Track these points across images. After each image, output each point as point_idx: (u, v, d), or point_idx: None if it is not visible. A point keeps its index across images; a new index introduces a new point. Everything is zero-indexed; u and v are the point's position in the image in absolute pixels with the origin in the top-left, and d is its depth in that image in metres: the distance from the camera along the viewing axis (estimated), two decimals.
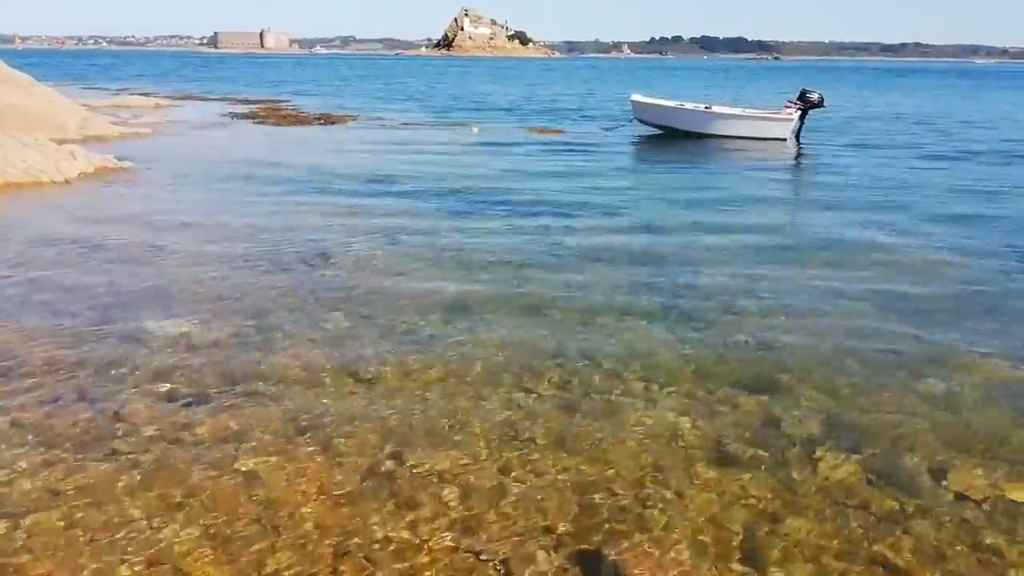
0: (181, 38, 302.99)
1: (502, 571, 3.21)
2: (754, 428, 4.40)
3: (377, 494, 3.70)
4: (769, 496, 3.75)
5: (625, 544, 3.37)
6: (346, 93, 38.11)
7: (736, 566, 3.26)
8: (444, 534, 3.42)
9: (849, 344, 5.61)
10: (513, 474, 3.89)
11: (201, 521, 3.47)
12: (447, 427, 4.34)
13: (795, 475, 3.93)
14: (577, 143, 18.37)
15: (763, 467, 4.00)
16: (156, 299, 6.36)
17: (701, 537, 3.43)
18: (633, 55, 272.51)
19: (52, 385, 4.73)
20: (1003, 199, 11.63)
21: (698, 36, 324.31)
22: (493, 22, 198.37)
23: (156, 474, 3.82)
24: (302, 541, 3.36)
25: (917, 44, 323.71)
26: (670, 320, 6.08)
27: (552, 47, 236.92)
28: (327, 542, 3.35)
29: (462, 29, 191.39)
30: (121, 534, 3.37)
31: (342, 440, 4.17)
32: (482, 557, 3.28)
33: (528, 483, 3.81)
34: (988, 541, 3.44)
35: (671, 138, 19.30)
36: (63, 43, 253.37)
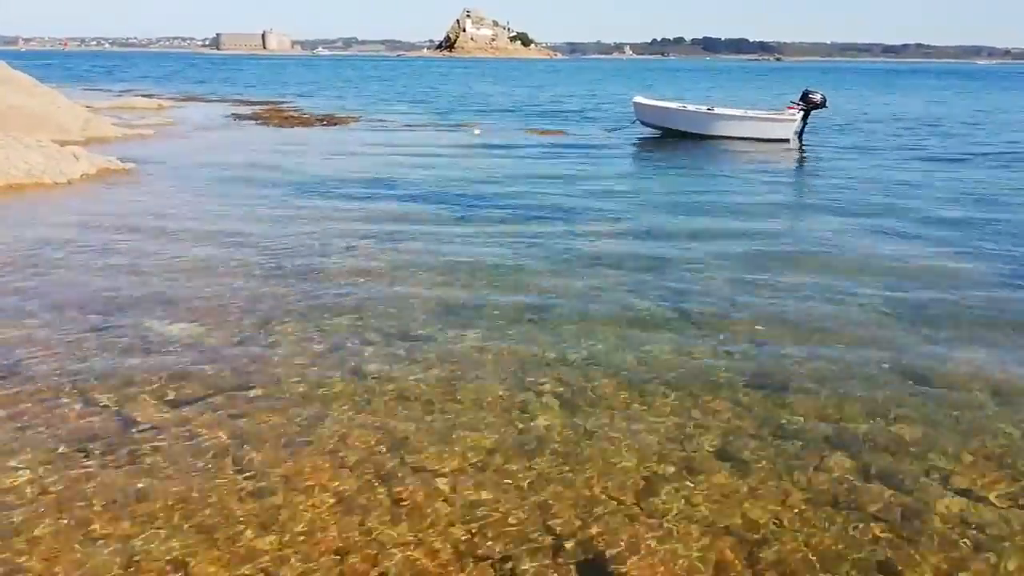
0: (183, 39, 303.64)
1: (503, 572, 3.21)
2: (756, 430, 4.39)
3: (378, 496, 3.70)
4: (771, 497, 3.74)
5: (627, 546, 3.37)
6: (349, 94, 38.14)
7: (737, 567, 3.26)
8: (445, 535, 3.42)
9: (850, 347, 5.62)
10: (514, 475, 3.89)
11: (202, 523, 3.47)
12: (448, 429, 4.34)
13: (796, 477, 3.93)
14: (579, 145, 18.36)
15: (765, 468, 4.00)
16: (158, 301, 6.36)
17: (702, 539, 3.43)
18: (635, 56, 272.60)
19: (54, 386, 4.74)
20: (1005, 202, 11.58)
21: (700, 37, 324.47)
22: (495, 23, 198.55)
23: (157, 476, 3.83)
24: (303, 543, 3.36)
25: (919, 45, 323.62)
26: (670, 323, 6.08)
27: (554, 48, 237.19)
28: (328, 544, 3.36)
29: (464, 30, 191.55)
30: (122, 535, 3.37)
31: (343, 442, 4.18)
32: (483, 558, 3.28)
33: (529, 484, 3.82)
34: (990, 542, 3.44)
35: (673, 140, 19.28)
36: (66, 45, 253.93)
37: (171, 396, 4.66)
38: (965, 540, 3.47)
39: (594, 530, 3.48)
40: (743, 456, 4.11)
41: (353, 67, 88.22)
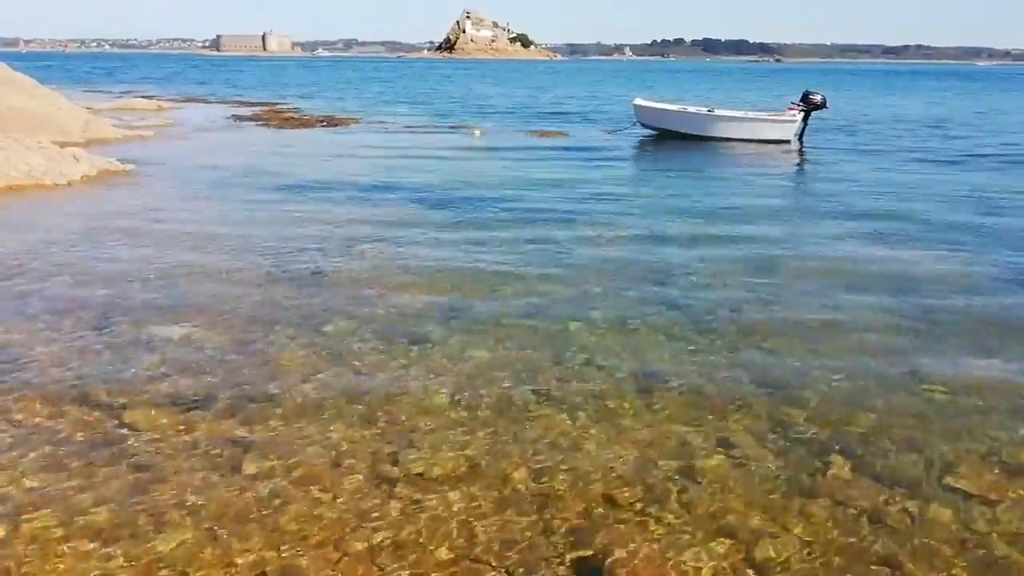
0: (184, 41, 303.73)
1: (503, 572, 3.20)
2: (758, 432, 4.39)
3: (379, 498, 3.69)
4: (772, 498, 3.74)
5: (629, 548, 3.37)
6: (349, 96, 38.15)
7: (739, 568, 3.26)
8: (445, 537, 3.41)
9: (851, 350, 5.62)
10: (515, 477, 3.89)
11: (203, 525, 3.46)
12: (447, 431, 4.34)
13: (798, 478, 3.93)
14: (580, 147, 18.34)
15: (766, 469, 3.99)
16: (159, 303, 6.36)
17: (705, 540, 3.43)
18: (635, 57, 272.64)
19: (55, 388, 4.73)
20: (1006, 205, 11.55)
21: (700, 38, 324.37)
22: (495, 24, 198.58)
23: (159, 477, 3.82)
24: (304, 544, 3.35)
25: (919, 46, 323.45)
26: (671, 326, 6.08)
27: (554, 49, 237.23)
28: (329, 546, 3.35)
29: (464, 32, 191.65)
30: (123, 536, 3.37)
31: (344, 444, 4.17)
32: (484, 560, 3.28)
33: (530, 485, 3.81)
34: (991, 543, 3.45)
35: (674, 141, 19.27)
36: (66, 46, 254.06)
37: (171, 397, 4.66)
38: (972, 541, 3.47)
39: (597, 530, 3.48)
40: (745, 454, 4.11)
41: (353, 68, 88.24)
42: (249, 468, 3.92)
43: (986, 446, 4.27)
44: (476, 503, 3.67)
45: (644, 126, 20.39)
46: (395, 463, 4.00)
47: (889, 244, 8.92)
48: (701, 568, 3.26)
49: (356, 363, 5.21)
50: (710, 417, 4.55)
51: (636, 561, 3.29)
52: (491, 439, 4.25)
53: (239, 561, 3.26)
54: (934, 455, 4.17)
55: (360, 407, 4.59)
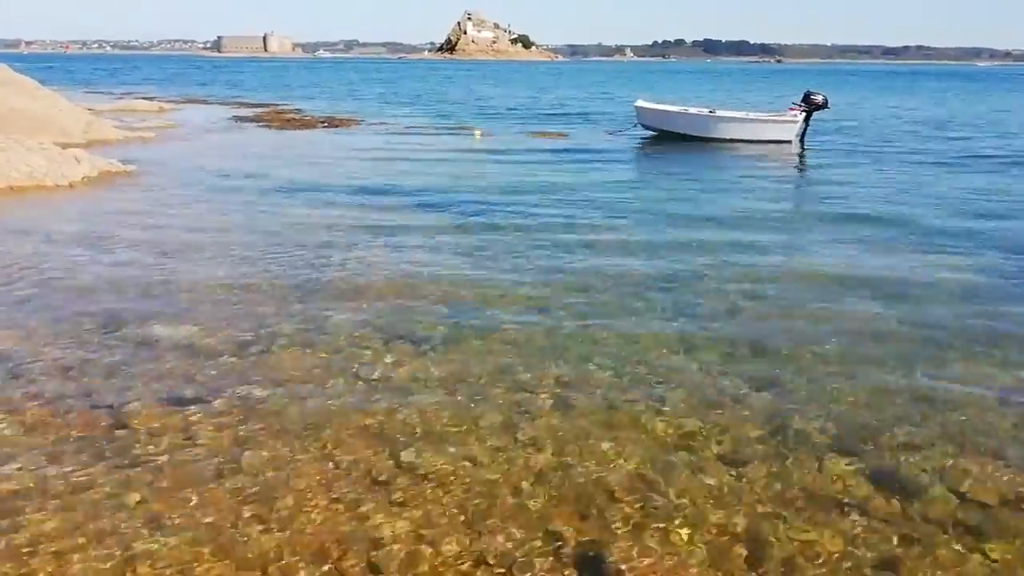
0: (185, 42, 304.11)
1: (504, 573, 3.20)
2: (759, 432, 4.39)
3: (379, 495, 3.70)
4: (773, 497, 3.75)
5: (628, 545, 3.37)
6: (350, 97, 38.17)
7: (739, 567, 3.26)
8: (445, 535, 3.42)
9: (853, 351, 5.63)
10: (515, 476, 3.89)
11: (204, 522, 3.46)
12: (448, 430, 4.34)
13: (799, 477, 3.93)
14: (581, 149, 18.30)
15: (767, 469, 4.00)
16: (160, 303, 6.37)
17: (705, 539, 3.43)
18: (636, 58, 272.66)
19: (58, 388, 4.74)
20: (1006, 209, 11.50)
21: (700, 39, 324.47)
22: (496, 26, 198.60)
23: (160, 476, 3.83)
24: (305, 542, 3.36)
25: (919, 47, 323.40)
26: (672, 329, 6.09)
27: (555, 50, 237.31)
28: (330, 543, 3.36)
29: (465, 33, 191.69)
30: (124, 536, 3.37)
31: (345, 442, 4.18)
32: (484, 559, 3.28)
33: (530, 485, 3.81)
34: (991, 542, 3.45)
35: (676, 143, 19.25)
36: (67, 47, 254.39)
37: (172, 396, 4.66)
38: (971, 540, 3.48)
39: (597, 529, 3.48)
40: (746, 454, 4.12)
41: (355, 69, 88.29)
42: (249, 466, 3.92)
43: (986, 441, 4.27)
44: (475, 499, 3.67)
45: (645, 127, 20.38)
46: (395, 463, 4.00)
47: (891, 249, 8.89)
48: (704, 568, 3.26)
49: (356, 358, 5.22)
50: (711, 417, 4.55)
51: (638, 559, 3.29)
52: (492, 435, 4.25)
53: (241, 559, 3.25)
54: (938, 453, 4.17)
55: (361, 404, 4.59)
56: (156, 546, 3.32)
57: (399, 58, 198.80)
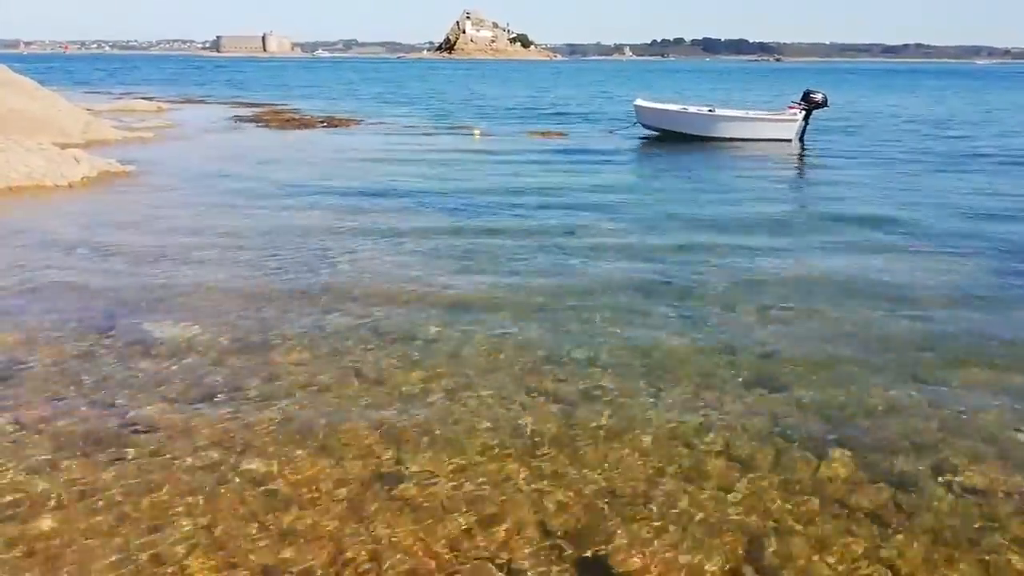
0: (184, 42, 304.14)
1: (504, 572, 3.21)
2: (759, 433, 4.39)
3: (379, 496, 3.69)
4: (773, 497, 3.75)
5: (629, 545, 3.37)
6: (350, 97, 38.15)
7: (740, 567, 3.26)
8: (446, 535, 3.42)
9: (854, 355, 5.63)
10: (515, 475, 3.89)
11: (204, 523, 3.46)
12: (447, 431, 4.34)
13: (799, 476, 3.94)
14: (580, 148, 18.26)
15: (767, 469, 4.00)
16: (159, 303, 6.36)
17: (705, 538, 3.43)
18: (635, 57, 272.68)
19: (56, 388, 4.73)
20: (1008, 209, 11.47)
21: (700, 38, 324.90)
22: (495, 25, 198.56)
23: (160, 477, 3.82)
24: (305, 544, 3.35)
25: (919, 45, 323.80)
26: (672, 330, 6.10)
27: (554, 50, 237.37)
28: (329, 544, 3.35)
29: (464, 32, 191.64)
30: (124, 536, 3.37)
31: (345, 442, 4.17)
32: (485, 559, 3.28)
33: (531, 484, 3.81)
34: (991, 542, 3.45)
35: (675, 142, 19.23)
36: (67, 48, 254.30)
37: (172, 396, 4.66)
38: (970, 537, 3.47)
39: (597, 529, 3.48)
40: (746, 454, 4.12)
41: (354, 69, 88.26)
42: (251, 465, 3.92)
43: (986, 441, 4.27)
44: (475, 499, 3.67)
45: (645, 126, 20.37)
46: (396, 462, 3.99)
47: (891, 249, 8.88)
48: (704, 567, 3.26)
49: (356, 358, 5.22)
50: (711, 418, 4.55)
51: (638, 558, 3.29)
52: (493, 435, 4.25)
53: (241, 560, 3.25)
54: (937, 451, 4.17)
55: (362, 404, 4.58)
56: (158, 548, 3.31)
57: (398, 58, 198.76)
